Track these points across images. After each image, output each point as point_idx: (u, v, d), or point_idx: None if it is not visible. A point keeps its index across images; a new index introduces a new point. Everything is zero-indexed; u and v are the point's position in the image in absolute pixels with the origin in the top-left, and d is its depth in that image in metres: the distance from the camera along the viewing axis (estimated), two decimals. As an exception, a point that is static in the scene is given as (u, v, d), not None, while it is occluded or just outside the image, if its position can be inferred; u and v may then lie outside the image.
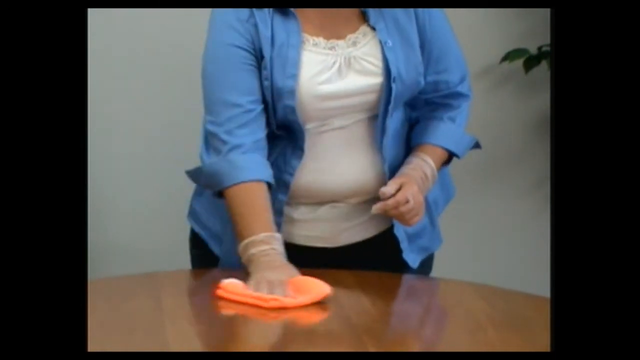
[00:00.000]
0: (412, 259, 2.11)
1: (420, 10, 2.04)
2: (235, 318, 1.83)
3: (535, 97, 3.17)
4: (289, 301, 1.81)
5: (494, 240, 3.29)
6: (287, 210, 2.07)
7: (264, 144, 2.00)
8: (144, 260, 2.97)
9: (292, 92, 1.97)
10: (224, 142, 1.98)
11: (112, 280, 2.06)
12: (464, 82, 2.12)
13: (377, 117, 2.03)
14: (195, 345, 1.71)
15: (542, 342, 1.60)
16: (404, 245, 2.09)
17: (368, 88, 2.00)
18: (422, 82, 2.05)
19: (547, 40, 2.93)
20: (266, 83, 1.98)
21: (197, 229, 2.17)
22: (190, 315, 1.87)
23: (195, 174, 2.09)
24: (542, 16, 2.86)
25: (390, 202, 1.96)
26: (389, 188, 1.97)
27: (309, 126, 2.02)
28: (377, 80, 2.00)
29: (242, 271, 1.94)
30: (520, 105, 3.20)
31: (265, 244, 1.91)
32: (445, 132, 2.10)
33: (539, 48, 3.04)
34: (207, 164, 2.02)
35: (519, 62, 3.04)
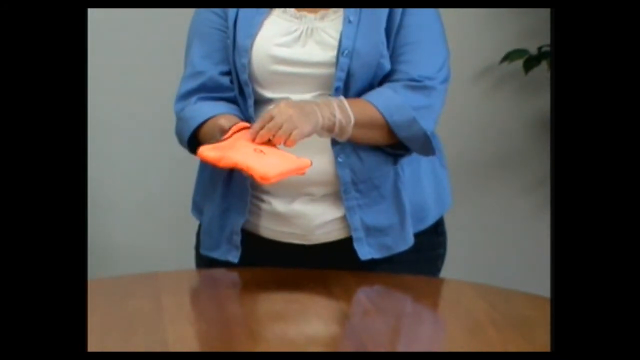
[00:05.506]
0: (365, 251, 2.04)
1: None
2: (235, 318, 1.83)
3: (535, 97, 3.17)
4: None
5: (494, 240, 3.29)
6: (257, 201, 2.04)
7: (232, 101, 2.05)
8: (144, 260, 2.97)
9: (247, 50, 2.01)
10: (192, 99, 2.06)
11: (112, 280, 2.06)
12: (433, 79, 2.02)
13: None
14: (195, 346, 1.71)
15: (542, 342, 1.60)
16: (358, 234, 2.03)
17: (322, 59, 2.00)
18: (387, 66, 2.01)
19: (547, 40, 2.93)
20: (228, 42, 2.03)
21: (199, 219, 2.16)
22: (190, 315, 1.87)
23: (177, 133, 2.11)
24: (542, 16, 2.86)
25: (255, 125, 1.91)
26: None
27: (268, 94, 2.02)
28: (332, 53, 2.00)
29: (240, 270, 1.94)
30: (520, 105, 3.20)
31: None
32: (377, 91, 2.02)
33: (539, 48, 3.04)
34: (176, 111, 2.07)
35: (519, 63, 3.05)
